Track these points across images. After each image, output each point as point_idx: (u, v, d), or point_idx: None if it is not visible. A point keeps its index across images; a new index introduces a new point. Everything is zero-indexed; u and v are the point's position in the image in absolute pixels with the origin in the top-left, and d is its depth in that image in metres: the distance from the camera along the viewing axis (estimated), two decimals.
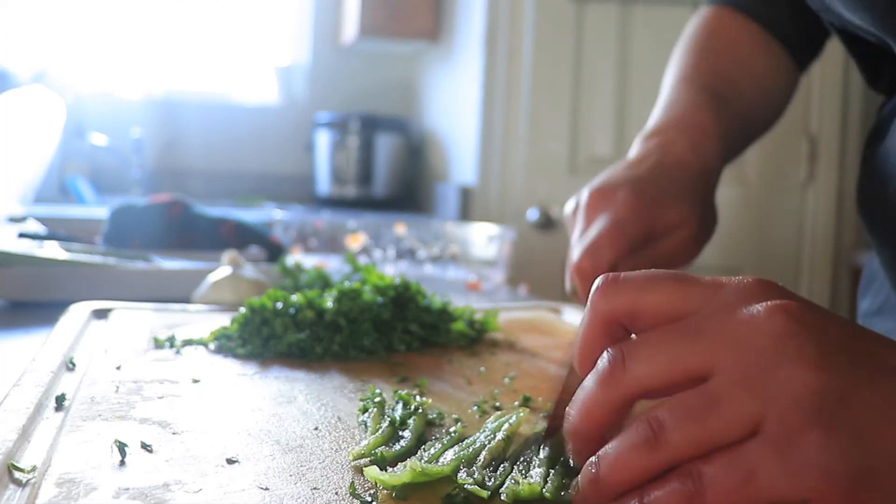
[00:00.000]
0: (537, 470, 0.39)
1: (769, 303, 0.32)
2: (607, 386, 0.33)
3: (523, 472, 0.39)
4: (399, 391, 0.51)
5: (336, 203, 2.89)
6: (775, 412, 0.29)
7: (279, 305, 0.66)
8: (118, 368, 0.56)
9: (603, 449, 0.32)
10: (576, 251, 0.59)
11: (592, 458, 0.33)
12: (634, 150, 0.68)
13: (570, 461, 0.37)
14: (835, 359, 0.30)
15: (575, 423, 0.34)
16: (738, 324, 0.31)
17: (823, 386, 0.29)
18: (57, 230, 1.24)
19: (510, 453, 0.41)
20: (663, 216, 0.60)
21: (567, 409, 0.34)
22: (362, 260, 1.37)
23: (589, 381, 0.34)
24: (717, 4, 0.78)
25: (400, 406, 0.48)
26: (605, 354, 0.33)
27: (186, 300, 0.87)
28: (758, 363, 0.30)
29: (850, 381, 0.30)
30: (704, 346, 0.32)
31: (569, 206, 0.64)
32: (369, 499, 0.36)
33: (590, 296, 0.36)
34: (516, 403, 0.53)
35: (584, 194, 0.62)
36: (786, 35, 0.75)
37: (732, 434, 0.30)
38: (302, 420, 0.47)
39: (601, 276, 0.36)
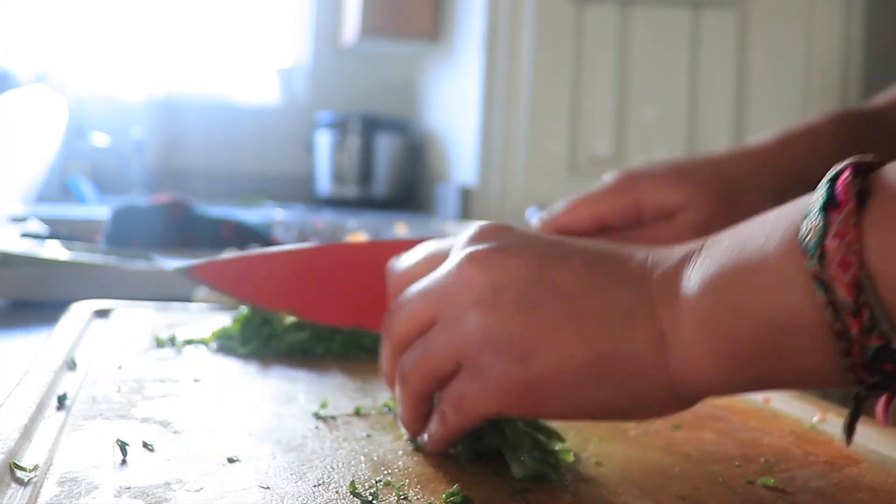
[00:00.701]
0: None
1: (465, 253, 0.39)
2: (386, 345, 0.43)
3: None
4: None
5: (336, 203, 2.89)
6: (465, 348, 0.38)
7: None
8: (119, 368, 0.56)
9: None
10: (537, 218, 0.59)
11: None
12: None
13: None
14: (504, 297, 0.37)
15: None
16: (445, 276, 0.39)
17: (492, 323, 0.37)
18: (58, 230, 1.25)
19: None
20: (652, 193, 0.55)
21: None
22: None
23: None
24: None
25: None
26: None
27: (187, 300, 0.87)
28: (451, 311, 0.38)
29: (510, 315, 0.37)
30: (428, 303, 0.40)
31: None
32: (370, 498, 0.36)
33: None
34: None
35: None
36: None
37: (445, 367, 0.39)
38: (303, 419, 0.47)
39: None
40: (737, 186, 0.55)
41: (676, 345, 0.34)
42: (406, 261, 0.45)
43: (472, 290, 0.38)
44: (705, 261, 0.34)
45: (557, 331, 0.36)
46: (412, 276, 0.44)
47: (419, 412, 0.41)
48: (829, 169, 0.54)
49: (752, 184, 0.56)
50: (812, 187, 0.53)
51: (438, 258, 0.42)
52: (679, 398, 0.36)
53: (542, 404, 0.37)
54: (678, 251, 0.37)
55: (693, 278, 0.34)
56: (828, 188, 0.31)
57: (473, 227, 0.42)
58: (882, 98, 0.64)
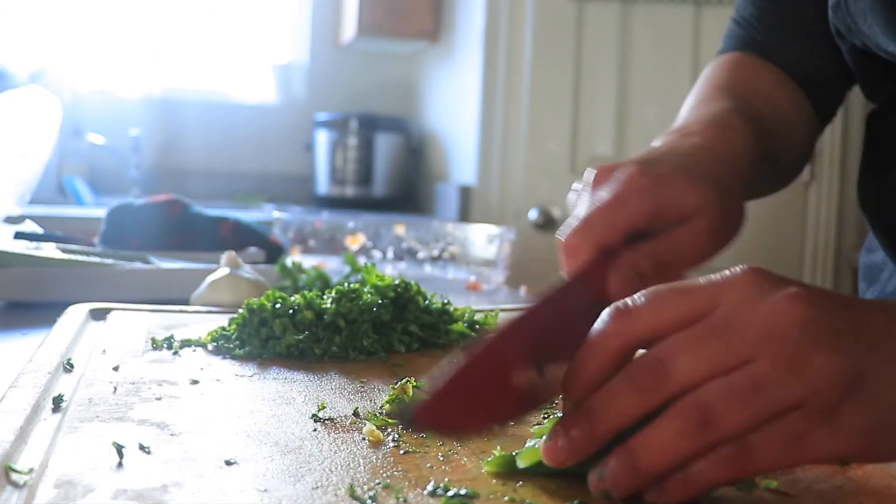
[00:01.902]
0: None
1: (781, 293, 0.37)
2: (651, 392, 0.36)
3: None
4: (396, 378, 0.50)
5: (335, 203, 2.88)
6: (814, 390, 0.35)
7: (278, 306, 0.66)
8: (116, 369, 0.56)
9: (635, 437, 0.36)
10: (565, 226, 0.51)
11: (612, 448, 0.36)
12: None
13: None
14: (847, 339, 0.36)
15: (609, 426, 0.36)
16: (761, 316, 0.36)
17: (845, 365, 0.36)
18: (54, 230, 1.24)
19: None
20: (675, 196, 0.50)
21: (593, 414, 0.37)
22: (362, 260, 1.37)
23: (624, 386, 0.36)
24: (731, 50, 0.75)
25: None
26: (639, 362, 0.37)
27: (185, 301, 0.87)
28: (789, 349, 0.36)
29: (860, 356, 0.36)
30: (739, 341, 0.36)
31: (575, 187, 0.56)
32: (369, 500, 0.36)
33: (597, 333, 0.38)
34: None
35: (592, 171, 0.54)
36: (805, 74, 0.72)
37: (777, 410, 0.35)
38: (301, 421, 0.47)
39: (607, 312, 0.38)
40: (727, 187, 0.54)
41: None
42: (647, 304, 0.38)
43: (810, 330, 0.36)
44: None
45: None
46: (667, 317, 0.38)
47: (695, 453, 0.35)
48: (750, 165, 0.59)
49: (731, 182, 0.55)
50: (743, 182, 0.57)
51: (693, 299, 0.38)
52: None
53: (881, 449, 0.37)
54: None
55: None
56: None
57: (735, 270, 0.39)
58: (690, 121, 0.63)
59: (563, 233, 0.50)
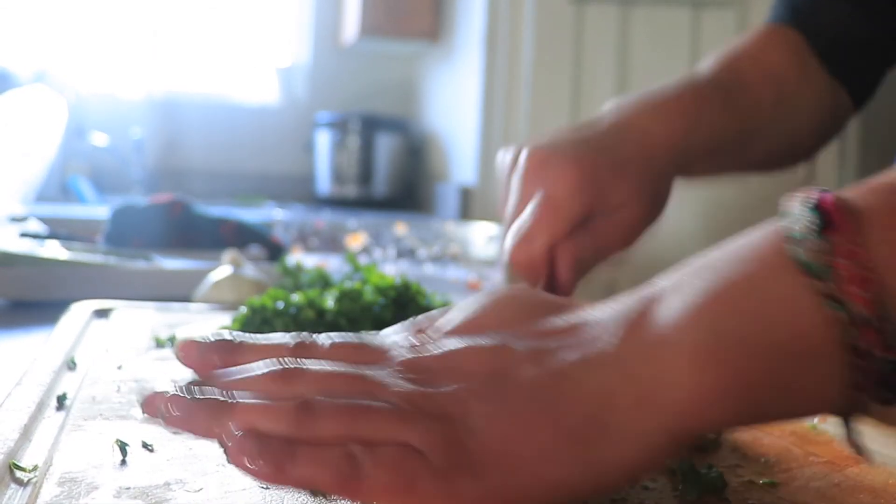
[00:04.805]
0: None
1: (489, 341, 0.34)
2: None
3: None
4: None
5: (336, 203, 2.89)
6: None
7: (280, 305, 0.66)
8: (119, 368, 0.56)
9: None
10: (509, 236, 0.53)
11: None
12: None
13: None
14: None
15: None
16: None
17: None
18: (58, 230, 1.25)
19: None
20: (607, 193, 0.53)
21: None
22: (363, 259, 1.37)
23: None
24: (772, 21, 0.68)
25: None
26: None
27: (187, 299, 0.87)
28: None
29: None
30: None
31: (505, 159, 0.57)
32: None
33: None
34: None
35: (524, 155, 0.54)
36: (834, 40, 0.65)
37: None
38: None
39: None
40: (654, 178, 0.56)
41: (669, 392, 0.31)
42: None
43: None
44: (681, 297, 0.32)
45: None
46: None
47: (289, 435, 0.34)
48: (705, 138, 0.58)
49: (660, 171, 0.56)
50: (680, 164, 0.57)
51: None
52: (673, 444, 0.31)
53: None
54: (627, 304, 0.33)
55: (671, 316, 0.31)
56: (815, 212, 0.31)
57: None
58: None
59: (506, 242, 0.53)
